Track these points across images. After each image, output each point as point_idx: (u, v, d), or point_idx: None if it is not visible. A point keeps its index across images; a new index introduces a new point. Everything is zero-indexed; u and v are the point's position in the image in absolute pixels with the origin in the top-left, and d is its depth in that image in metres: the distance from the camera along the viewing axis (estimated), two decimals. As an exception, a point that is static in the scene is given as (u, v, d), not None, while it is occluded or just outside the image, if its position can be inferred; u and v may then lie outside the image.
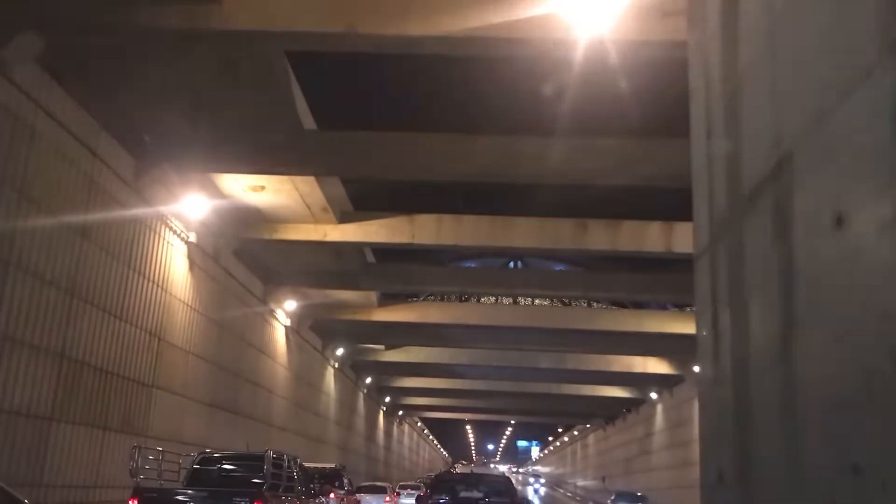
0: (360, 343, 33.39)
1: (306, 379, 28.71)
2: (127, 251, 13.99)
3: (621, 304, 31.50)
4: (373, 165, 14.37)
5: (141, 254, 14.57)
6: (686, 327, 26.10)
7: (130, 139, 13.69)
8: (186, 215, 16.20)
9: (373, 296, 25.85)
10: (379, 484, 28.34)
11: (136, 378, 14.49)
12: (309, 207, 17.34)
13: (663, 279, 22.52)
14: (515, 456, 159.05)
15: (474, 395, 48.61)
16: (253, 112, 13.25)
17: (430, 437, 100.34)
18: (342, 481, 19.76)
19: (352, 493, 20.91)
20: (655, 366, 34.01)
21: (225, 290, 19.42)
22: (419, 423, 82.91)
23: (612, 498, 25.86)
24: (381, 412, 50.99)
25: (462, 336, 30.88)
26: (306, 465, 15.84)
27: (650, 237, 17.86)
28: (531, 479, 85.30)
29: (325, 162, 14.27)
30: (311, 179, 15.89)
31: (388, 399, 50.18)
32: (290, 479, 11.51)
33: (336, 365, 33.60)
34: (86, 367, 12.60)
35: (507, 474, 30.44)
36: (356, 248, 21.27)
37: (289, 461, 11.69)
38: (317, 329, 28.98)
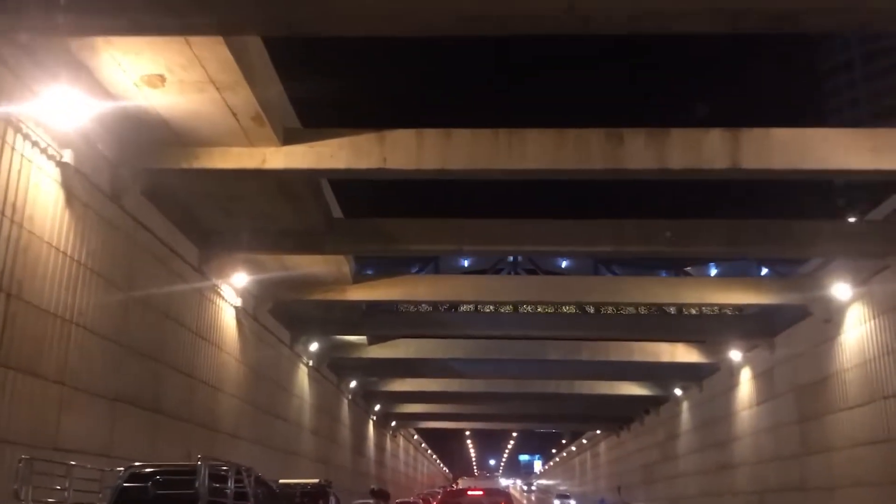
0: (336, 334, 28.32)
1: (269, 376, 23.66)
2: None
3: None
4: (310, 13, 9.43)
5: (-35, 162, 9.64)
6: (733, 297, 21.30)
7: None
8: (54, 123, 11.26)
9: (345, 267, 20.90)
10: (372, 501, 24.28)
11: (-40, 349, 9.51)
12: (236, 117, 12.44)
13: (713, 226, 17.70)
14: (518, 470, 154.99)
15: (474, 398, 43.40)
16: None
17: (429, 451, 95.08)
18: (328, 500, 16.06)
19: None
20: (685, 354, 29.25)
21: (133, 245, 14.43)
22: (416, 437, 77.62)
23: None
24: (371, 422, 45.81)
25: (457, 321, 25.99)
26: (285, 481, 14.53)
27: (708, 150, 12.99)
28: (556, 503, 65.08)
29: (236, 5, 9.35)
30: (231, 66, 10.98)
31: (377, 407, 45.06)
32: (242, 496, 9.37)
33: (311, 363, 28.56)
34: None
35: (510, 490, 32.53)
36: (313, 189, 16.36)
37: (239, 473, 9.54)
38: (280, 315, 23.98)
